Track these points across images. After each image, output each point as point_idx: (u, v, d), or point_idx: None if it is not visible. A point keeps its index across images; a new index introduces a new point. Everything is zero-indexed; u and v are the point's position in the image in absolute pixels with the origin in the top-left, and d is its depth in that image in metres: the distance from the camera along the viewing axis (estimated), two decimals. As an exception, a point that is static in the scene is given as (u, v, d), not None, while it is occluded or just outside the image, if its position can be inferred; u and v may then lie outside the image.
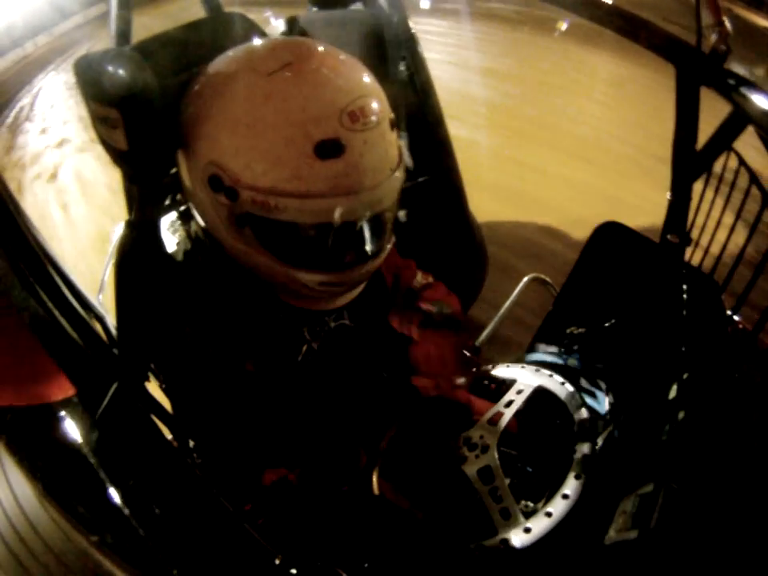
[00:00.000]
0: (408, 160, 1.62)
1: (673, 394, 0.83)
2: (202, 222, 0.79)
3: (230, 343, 0.78)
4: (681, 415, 0.76)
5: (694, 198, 1.07)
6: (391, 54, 1.22)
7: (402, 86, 1.53)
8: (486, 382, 0.98)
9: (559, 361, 1.06)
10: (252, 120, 0.66)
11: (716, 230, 1.03)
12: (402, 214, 1.62)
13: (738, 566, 0.61)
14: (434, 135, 1.53)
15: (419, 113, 1.54)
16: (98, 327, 0.79)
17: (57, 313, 0.64)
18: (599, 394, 0.96)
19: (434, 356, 0.89)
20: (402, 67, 1.49)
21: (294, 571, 0.69)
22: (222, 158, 0.69)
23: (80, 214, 1.86)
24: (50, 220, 1.88)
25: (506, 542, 0.70)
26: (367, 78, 0.72)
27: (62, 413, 0.63)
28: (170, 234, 0.84)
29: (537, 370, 0.92)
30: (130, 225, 0.90)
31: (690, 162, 1.02)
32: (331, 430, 0.90)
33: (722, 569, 0.61)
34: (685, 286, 1.00)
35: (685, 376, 0.82)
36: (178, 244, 0.81)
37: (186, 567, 0.66)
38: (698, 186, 1.06)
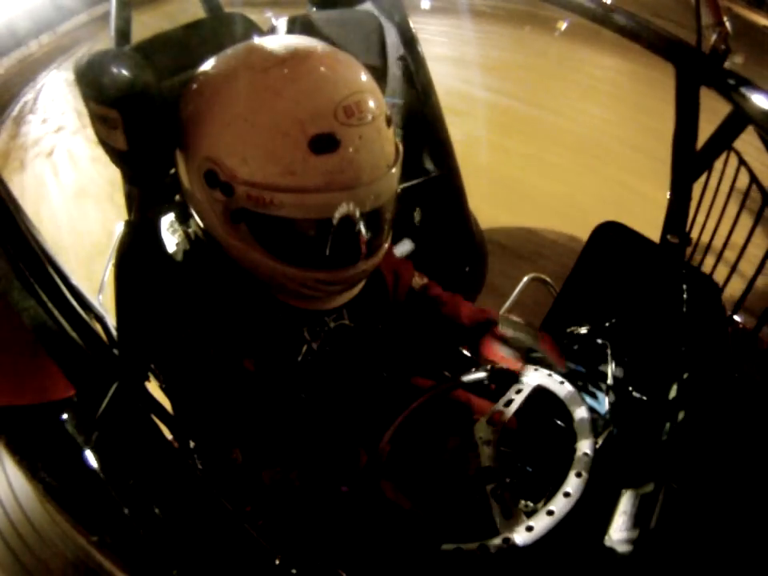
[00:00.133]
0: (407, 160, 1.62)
1: (673, 393, 0.83)
2: (200, 222, 0.79)
3: (229, 343, 0.78)
4: (681, 415, 0.76)
5: (694, 198, 1.07)
6: (391, 53, 1.22)
7: (402, 85, 1.54)
8: (486, 382, 0.98)
9: None
10: (247, 115, 0.66)
11: (716, 230, 1.03)
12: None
13: (738, 565, 0.61)
14: (434, 135, 1.53)
15: (419, 113, 1.54)
16: (98, 327, 0.79)
17: (57, 313, 0.64)
18: (599, 393, 0.96)
19: None
20: (401, 67, 1.50)
21: (294, 571, 0.69)
22: (218, 153, 0.69)
23: (68, 178, 2.53)
24: (45, 183, 2.53)
25: (508, 540, 0.70)
26: (363, 75, 0.72)
27: (62, 413, 0.63)
28: (170, 234, 0.84)
29: (536, 369, 0.92)
30: (130, 225, 0.90)
31: (690, 161, 1.02)
32: (331, 429, 0.90)
33: (722, 569, 0.61)
34: (685, 286, 1.00)
35: (685, 376, 0.82)
36: (177, 244, 0.81)
37: (186, 567, 0.66)
38: (698, 186, 1.07)
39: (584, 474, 0.75)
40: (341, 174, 0.67)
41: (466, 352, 1.18)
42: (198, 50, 0.76)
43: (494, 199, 2.69)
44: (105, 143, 0.74)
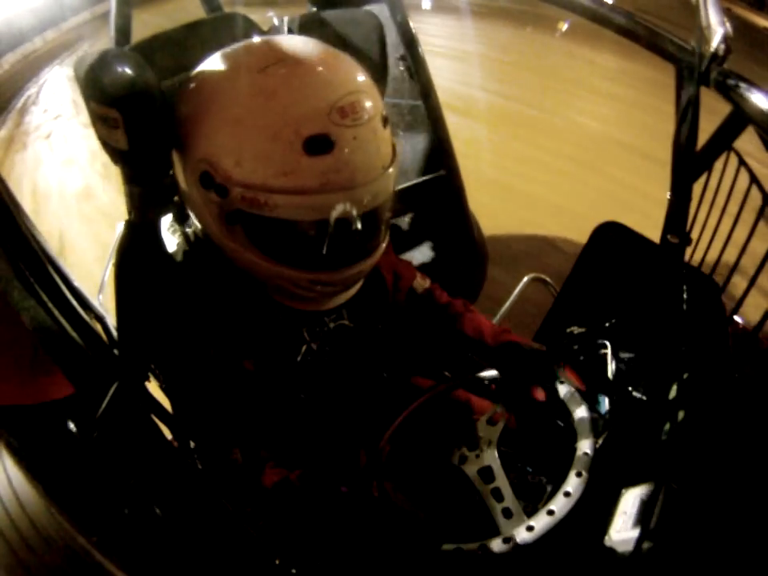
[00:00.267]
0: (407, 160, 1.62)
1: (673, 393, 0.83)
2: (197, 223, 0.79)
3: (229, 343, 0.78)
4: (681, 415, 0.76)
5: (694, 198, 1.07)
6: (391, 53, 1.22)
7: (402, 85, 1.54)
8: (486, 382, 0.98)
9: None
10: (241, 116, 0.66)
11: (716, 231, 1.03)
12: (406, 220, 1.62)
13: (739, 565, 0.61)
14: (434, 135, 1.53)
15: (419, 113, 1.54)
16: (98, 327, 0.79)
17: (57, 313, 0.64)
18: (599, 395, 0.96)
19: None
20: (402, 67, 1.50)
21: (293, 571, 0.69)
22: (213, 154, 0.69)
23: (61, 151, 3.22)
24: (42, 157, 3.18)
25: (508, 540, 0.70)
26: (359, 75, 0.71)
27: (62, 413, 0.63)
28: (170, 235, 0.84)
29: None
30: (130, 225, 0.90)
31: (690, 162, 1.02)
32: (331, 429, 0.90)
33: (722, 568, 0.61)
34: (685, 286, 1.00)
35: (685, 376, 0.82)
36: (177, 244, 0.81)
37: (186, 567, 0.66)
38: (698, 186, 1.07)
39: (584, 473, 0.75)
40: (335, 174, 0.67)
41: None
42: (198, 50, 0.76)
43: (495, 198, 2.70)
44: (105, 143, 0.74)
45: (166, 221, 0.86)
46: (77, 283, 0.73)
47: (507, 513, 0.74)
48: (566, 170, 3.21)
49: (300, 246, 0.73)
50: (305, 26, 0.92)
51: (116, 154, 0.74)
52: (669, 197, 1.09)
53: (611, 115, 4.07)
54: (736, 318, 0.97)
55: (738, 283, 0.92)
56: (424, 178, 1.59)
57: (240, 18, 0.99)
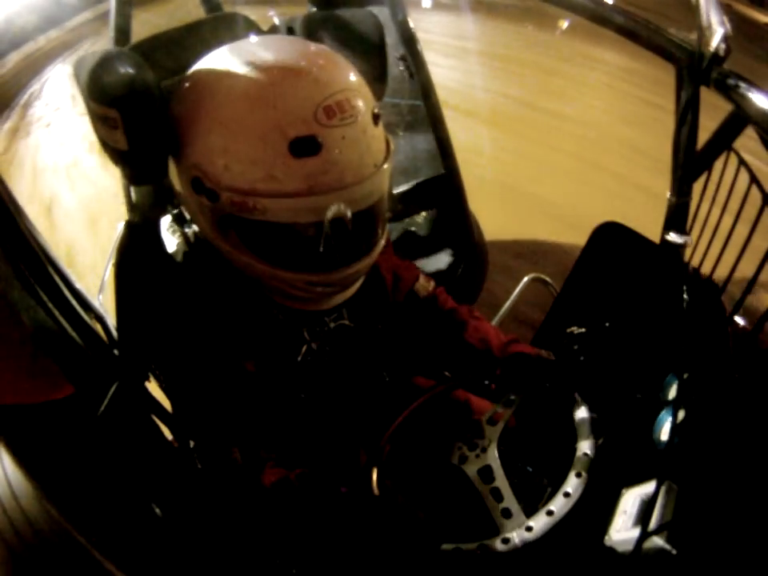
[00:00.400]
0: (407, 160, 1.62)
1: (673, 393, 0.83)
2: (195, 225, 0.79)
3: (228, 343, 0.78)
4: (681, 415, 0.76)
5: (694, 198, 1.07)
6: (391, 53, 1.22)
7: (401, 85, 1.54)
8: (486, 382, 0.98)
9: None
10: (228, 120, 0.66)
11: (716, 230, 1.03)
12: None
13: (739, 565, 0.61)
14: (434, 135, 1.53)
15: (419, 113, 1.54)
16: (98, 327, 0.79)
17: (57, 313, 0.64)
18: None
19: None
20: (402, 67, 1.50)
21: (294, 571, 0.69)
22: (202, 159, 0.68)
23: (57, 136, 3.74)
24: (42, 141, 3.72)
25: (507, 540, 0.70)
26: (347, 74, 0.70)
27: (62, 413, 0.63)
28: (170, 235, 0.84)
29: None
30: (130, 225, 0.90)
31: (689, 162, 1.02)
32: (331, 429, 0.90)
33: (722, 568, 0.61)
34: (685, 287, 1.00)
35: (685, 376, 0.82)
36: (177, 245, 0.81)
37: (186, 567, 0.66)
38: (698, 186, 1.06)
39: (584, 474, 0.75)
40: (324, 176, 0.66)
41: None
42: (198, 50, 0.75)
43: (495, 197, 2.70)
44: (105, 143, 0.74)
45: (166, 221, 0.86)
46: (77, 284, 0.73)
47: (507, 513, 0.74)
48: (567, 168, 3.20)
49: (294, 248, 0.73)
50: (305, 26, 0.91)
51: (116, 154, 0.74)
52: (669, 197, 1.09)
53: (613, 113, 4.08)
54: (736, 318, 0.97)
55: (738, 283, 0.92)
56: (424, 178, 1.59)
57: (240, 18, 0.99)
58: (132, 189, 1.26)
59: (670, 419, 0.77)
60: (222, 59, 0.70)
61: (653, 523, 0.62)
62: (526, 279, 1.46)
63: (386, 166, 0.72)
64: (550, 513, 0.71)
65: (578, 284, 1.26)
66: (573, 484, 0.74)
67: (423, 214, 1.69)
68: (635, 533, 0.63)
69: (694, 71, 0.93)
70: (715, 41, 0.89)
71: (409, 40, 1.45)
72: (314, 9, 1.39)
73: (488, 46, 5.04)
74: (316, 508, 0.77)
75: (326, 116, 0.64)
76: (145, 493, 0.65)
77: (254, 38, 0.76)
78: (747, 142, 0.95)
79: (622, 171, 3.13)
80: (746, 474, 0.67)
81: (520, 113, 3.89)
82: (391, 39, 1.30)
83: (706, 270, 1.06)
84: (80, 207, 2.51)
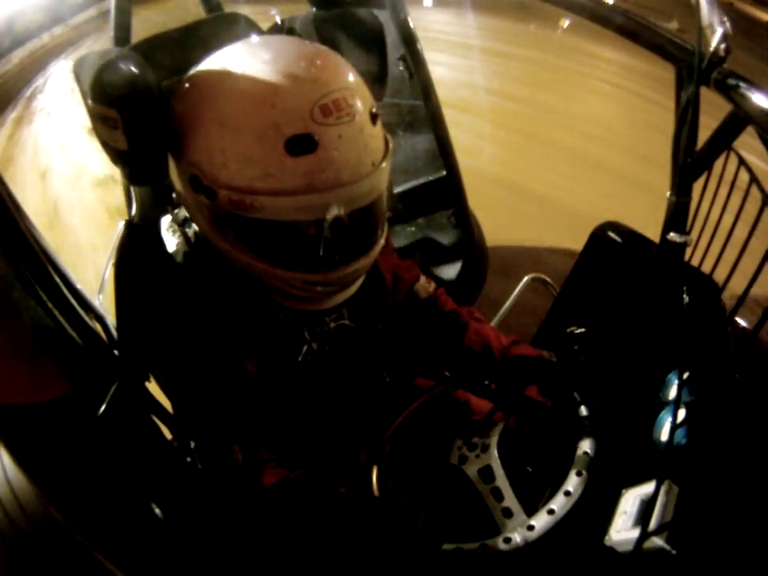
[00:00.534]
0: (407, 160, 1.62)
1: (673, 393, 0.83)
2: (194, 224, 0.79)
3: (229, 343, 0.78)
4: (681, 415, 0.76)
5: (694, 198, 1.07)
6: (391, 53, 1.22)
7: (402, 85, 1.54)
8: (486, 382, 0.98)
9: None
10: (225, 118, 0.66)
11: (716, 230, 1.03)
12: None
13: (739, 565, 0.61)
14: (434, 135, 1.53)
15: (419, 113, 1.54)
16: (98, 327, 0.79)
17: (57, 313, 0.64)
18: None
19: None
20: (402, 67, 1.50)
21: (293, 571, 0.69)
22: (200, 157, 0.68)
23: (57, 119, 4.19)
24: (43, 127, 4.13)
25: (508, 540, 0.70)
26: (344, 72, 0.70)
27: (62, 413, 0.63)
28: (170, 235, 0.84)
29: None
30: (130, 225, 0.90)
31: (689, 161, 1.02)
32: (332, 429, 0.90)
33: (722, 568, 0.61)
34: (685, 287, 1.00)
35: (685, 376, 0.82)
36: (177, 245, 0.81)
37: (186, 567, 0.66)
38: (698, 186, 1.06)
39: (584, 473, 0.75)
40: (321, 174, 0.66)
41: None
42: (199, 50, 0.76)
43: (495, 196, 2.70)
44: (105, 144, 0.74)
45: (166, 221, 0.86)
46: (77, 283, 0.73)
47: (507, 512, 0.74)
48: (567, 166, 3.21)
49: (292, 247, 0.73)
50: (305, 26, 0.91)
51: (115, 154, 0.74)
52: (668, 196, 1.09)
53: (614, 111, 4.08)
54: (736, 317, 0.97)
55: (738, 283, 0.92)
56: (425, 179, 1.59)
57: (240, 18, 0.99)
58: (132, 189, 1.26)
59: (670, 419, 0.77)
60: (221, 59, 0.71)
61: (653, 523, 0.62)
62: (525, 279, 1.46)
63: (384, 164, 0.72)
64: (551, 512, 0.71)
65: (578, 284, 1.26)
66: (573, 483, 0.74)
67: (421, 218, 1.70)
68: (635, 533, 0.63)
69: (694, 71, 0.92)
70: (715, 41, 0.89)
71: (409, 40, 1.45)
72: (314, 9, 1.39)
73: (489, 43, 5.06)
74: (316, 509, 0.76)
75: (322, 114, 0.64)
76: (144, 493, 0.65)
77: (253, 39, 0.76)
78: (748, 141, 0.95)
79: (623, 170, 3.13)
80: (746, 473, 0.67)
81: (520, 111, 3.89)
82: (391, 39, 1.30)
83: (706, 269, 1.06)
84: (66, 173, 3.30)
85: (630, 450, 0.81)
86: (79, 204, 2.73)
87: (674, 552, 0.60)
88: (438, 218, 1.69)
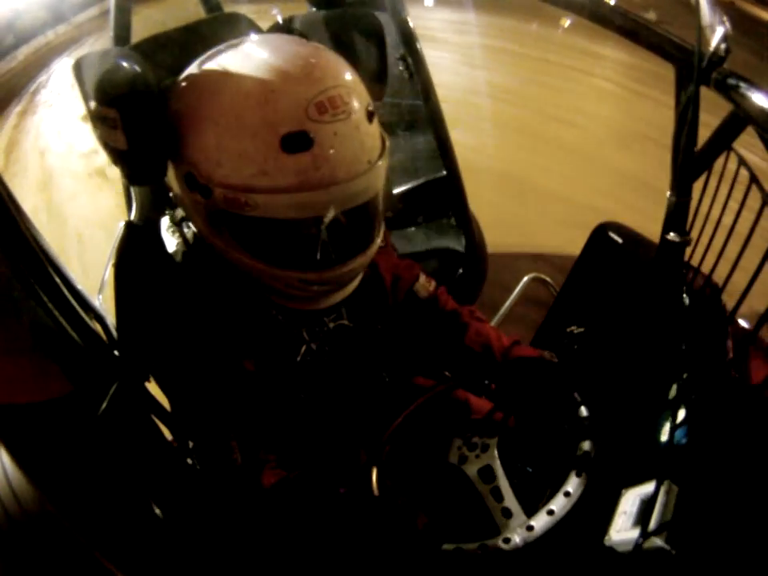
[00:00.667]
0: (407, 160, 1.62)
1: (673, 393, 0.83)
2: (191, 223, 0.79)
3: (227, 343, 0.78)
4: (681, 415, 0.76)
5: (694, 198, 1.07)
6: (391, 53, 1.22)
7: (402, 85, 1.54)
8: (486, 382, 0.98)
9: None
10: (220, 116, 0.66)
11: (716, 230, 1.03)
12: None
13: (739, 565, 0.61)
14: (434, 135, 1.53)
15: (419, 113, 1.54)
16: (98, 327, 0.79)
17: (57, 313, 0.64)
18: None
19: None
20: (402, 67, 1.50)
21: (294, 571, 0.69)
22: (195, 155, 0.69)
23: (58, 110, 4.59)
24: (45, 116, 4.55)
25: (508, 540, 0.70)
26: (340, 70, 0.70)
27: (62, 413, 0.63)
28: (170, 235, 0.84)
29: None
30: (129, 225, 0.90)
31: (689, 161, 1.02)
32: (331, 429, 0.90)
33: (722, 568, 0.61)
34: (684, 286, 1.00)
35: (685, 376, 0.82)
36: (177, 245, 0.81)
37: (186, 566, 0.66)
38: (698, 186, 1.06)
39: (584, 473, 0.75)
40: (316, 171, 0.65)
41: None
42: (199, 50, 0.76)
43: (495, 195, 2.70)
44: (105, 144, 0.74)
45: (166, 221, 0.86)
46: (77, 284, 0.73)
47: (507, 513, 0.74)
48: (567, 165, 3.20)
49: (287, 245, 0.72)
50: (304, 26, 0.91)
51: (115, 154, 0.74)
52: (668, 196, 1.09)
53: (614, 109, 4.08)
54: (736, 317, 0.97)
55: (739, 282, 0.92)
56: (425, 178, 1.59)
57: (241, 18, 0.99)
58: (132, 189, 1.26)
59: (670, 419, 0.77)
60: (217, 58, 0.71)
61: (653, 523, 0.62)
62: (525, 279, 1.46)
63: (380, 162, 0.72)
64: (550, 512, 0.71)
65: (578, 283, 1.26)
66: (573, 483, 0.74)
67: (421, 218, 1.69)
68: (635, 533, 0.63)
69: (694, 71, 0.92)
70: (715, 40, 0.89)
71: (409, 40, 1.45)
72: (314, 9, 1.39)
73: (490, 40, 5.06)
74: (316, 509, 0.76)
75: (317, 112, 0.64)
76: (144, 492, 0.65)
77: (252, 37, 0.76)
78: (749, 140, 0.95)
79: (623, 169, 3.13)
80: (745, 473, 0.67)
81: (520, 109, 3.89)
82: (391, 39, 1.30)
83: (705, 269, 1.06)
84: (61, 150, 3.92)
85: (630, 450, 0.81)
86: (68, 170, 3.67)
87: (673, 552, 0.60)
88: (437, 218, 1.69)
